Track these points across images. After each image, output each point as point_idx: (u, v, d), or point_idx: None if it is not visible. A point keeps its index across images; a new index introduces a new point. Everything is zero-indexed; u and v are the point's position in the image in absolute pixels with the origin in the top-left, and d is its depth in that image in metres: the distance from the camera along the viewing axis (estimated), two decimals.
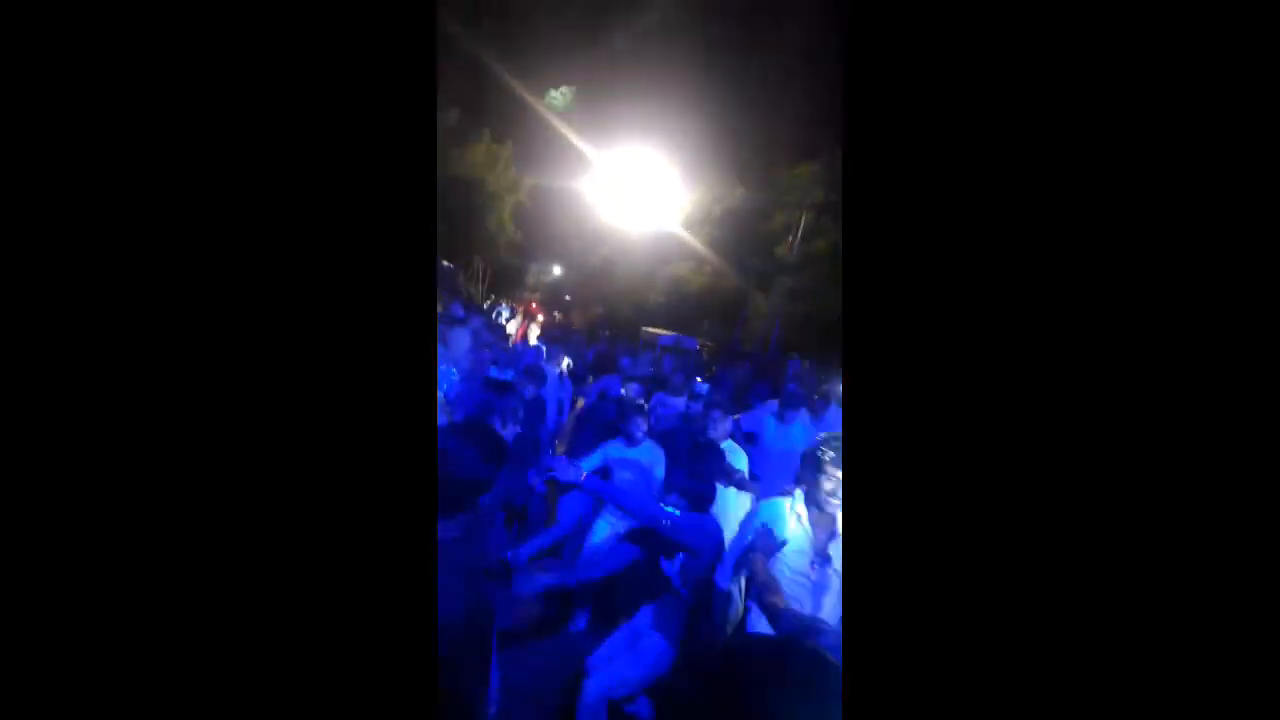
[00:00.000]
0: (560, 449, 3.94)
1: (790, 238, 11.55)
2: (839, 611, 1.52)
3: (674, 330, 12.72)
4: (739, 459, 2.86)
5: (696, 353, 10.58)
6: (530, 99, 13.96)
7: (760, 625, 1.60)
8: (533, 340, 8.35)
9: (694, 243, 14.96)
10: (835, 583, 1.60)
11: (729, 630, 1.74)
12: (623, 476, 2.70)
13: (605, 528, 2.46)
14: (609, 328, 14.49)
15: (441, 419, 2.17)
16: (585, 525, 2.57)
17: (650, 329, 12.49)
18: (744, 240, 14.54)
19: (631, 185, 15.86)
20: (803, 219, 11.10)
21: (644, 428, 2.80)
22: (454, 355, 3.31)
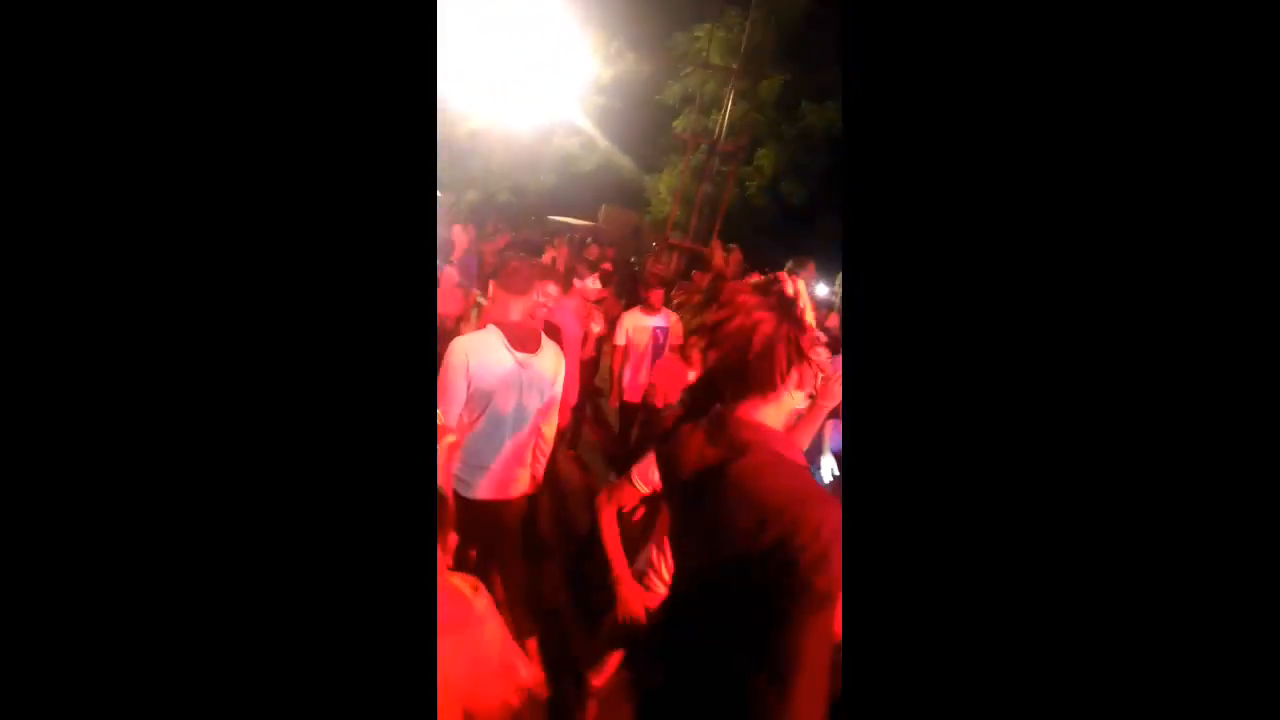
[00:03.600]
0: None
1: (718, 114, 10.61)
2: None
3: (572, 216, 11.57)
4: None
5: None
6: None
7: None
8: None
9: (582, 116, 13.40)
10: None
11: None
12: None
13: None
14: (496, 215, 12.89)
15: None
16: None
17: (556, 217, 11.23)
18: (638, 113, 13.28)
19: (504, 46, 13.58)
20: (731, 94, 10.17)
21: None
22: None
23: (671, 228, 10.44)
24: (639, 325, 3.85)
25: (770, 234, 10.88)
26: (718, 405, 1.16)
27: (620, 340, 3.86)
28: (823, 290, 7.13)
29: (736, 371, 1.10)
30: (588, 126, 13.47)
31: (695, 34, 12.40)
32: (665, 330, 3.86)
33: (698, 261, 9.25)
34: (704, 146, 11.02)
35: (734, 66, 10.63)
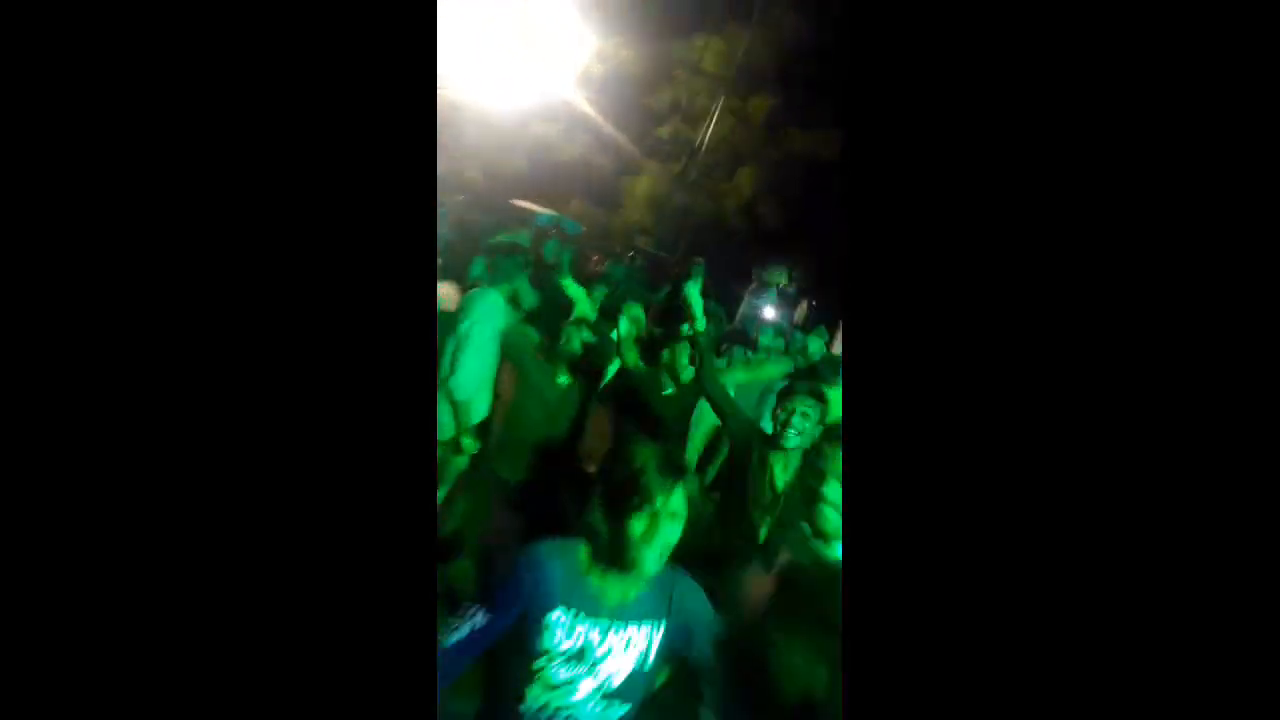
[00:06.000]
0: None
1: (705, 127, 10.32)
2: None
3: (542, 205, 11.05)
4: None
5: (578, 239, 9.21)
6: None
7: None
8: None
9: (570, 103, 12.94)
10: None
11: None
12: None
13: None
14: (460, 192, 12.24)
15: None
16: None
17: (520, 202, 10.67)
18: (626, 113, 12.92)
19: (491, 20, 13.03)
20: (720, 104, 9.90)
21: None
22: None
23: (640, 232, 10.06)
24: None
25: (737, 254, 10.62)
26: None
27: None
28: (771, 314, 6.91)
29: None
30: (571, 117, 13.01)
31: (694, 43, 12.14)
32: None
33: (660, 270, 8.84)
34: (685, 157, 10.72)
35: (726, 75, 10.38)
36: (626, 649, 1.14)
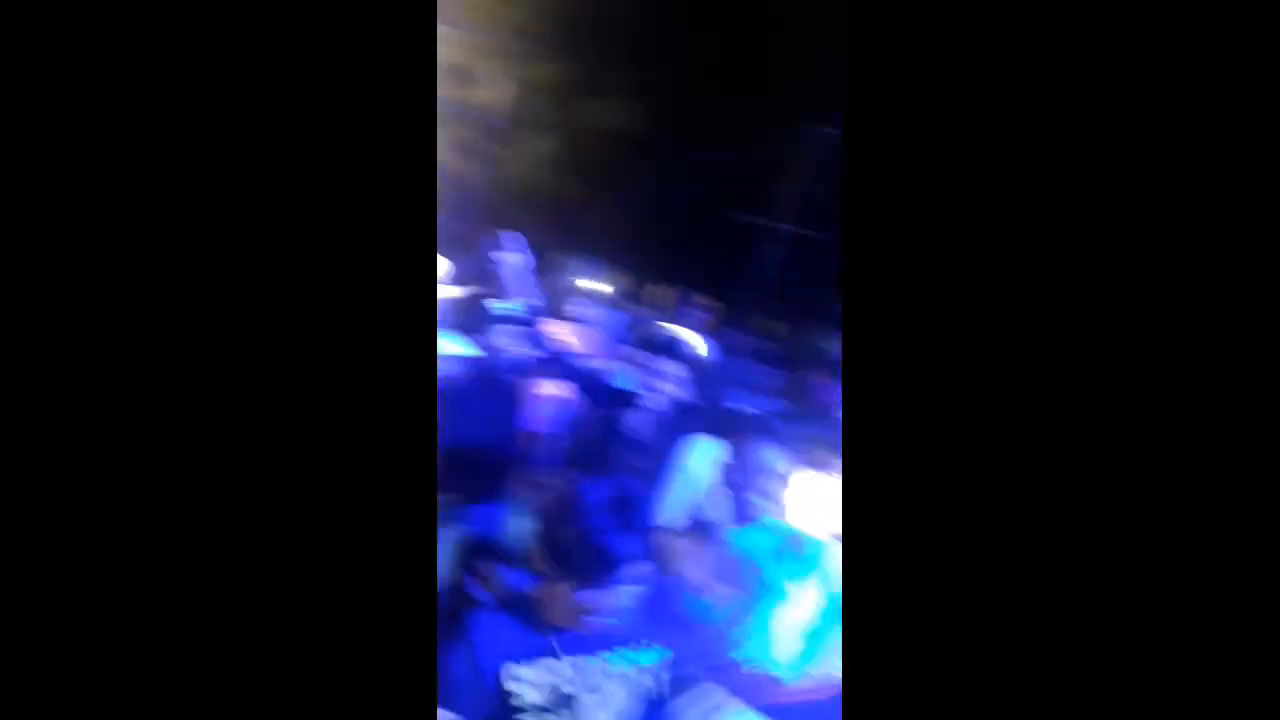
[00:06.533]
0: None
1: (490, 97, 9.68)
2: None
3: None
4: None
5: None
6: None
7: None
8: None
9: None
10: None
11: None
12: None
13: None
14: None
15: None
16: None
17: None
18: None
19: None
20: (503, 72, 9.35)
21: None
22: None
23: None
24: None
25: (546, 222, 10.34)
26: None
27: None
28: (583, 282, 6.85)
29: None
30: None
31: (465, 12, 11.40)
32: None
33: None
34: (470, 122, 10.10)
35: (507, 45, 9.98)
36: None
